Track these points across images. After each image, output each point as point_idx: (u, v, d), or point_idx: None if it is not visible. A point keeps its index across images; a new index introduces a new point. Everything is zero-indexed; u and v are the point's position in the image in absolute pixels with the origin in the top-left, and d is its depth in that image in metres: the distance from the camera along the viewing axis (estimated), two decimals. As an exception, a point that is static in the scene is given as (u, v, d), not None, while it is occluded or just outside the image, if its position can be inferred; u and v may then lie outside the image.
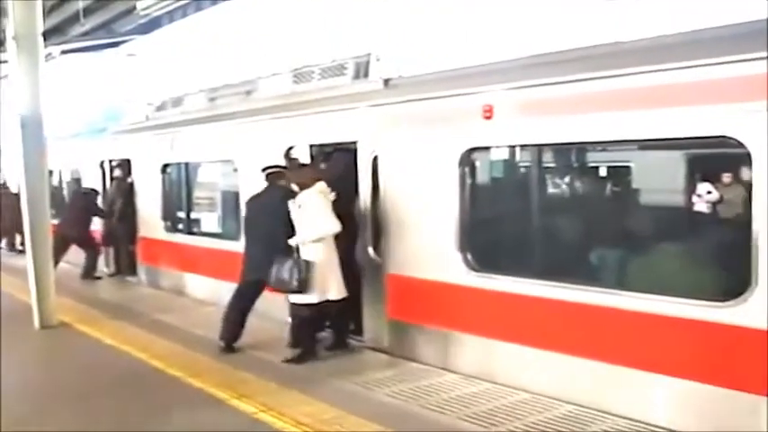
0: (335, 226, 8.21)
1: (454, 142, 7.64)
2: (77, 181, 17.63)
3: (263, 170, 9.14)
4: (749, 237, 5.47)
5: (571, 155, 7.50)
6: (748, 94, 5.45)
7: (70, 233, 14.68)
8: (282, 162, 10.00)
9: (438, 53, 9.56)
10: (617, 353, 6.34)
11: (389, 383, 7.46)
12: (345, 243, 8.88)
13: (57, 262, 12.79)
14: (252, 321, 9.07)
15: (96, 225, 15.51)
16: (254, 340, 9.06)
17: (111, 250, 15.72)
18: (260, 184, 9.32)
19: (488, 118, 7.28)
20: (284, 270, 8.16)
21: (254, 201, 9.19)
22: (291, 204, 8.48)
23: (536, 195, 7.16)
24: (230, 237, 11.36)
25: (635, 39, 6.70)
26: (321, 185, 8.41)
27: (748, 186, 5.54)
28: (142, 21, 17.35)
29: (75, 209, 15.18)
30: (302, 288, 8.12)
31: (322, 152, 9.75)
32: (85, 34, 19.10)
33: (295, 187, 8.54)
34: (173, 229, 13.52)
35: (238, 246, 10.11)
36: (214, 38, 23.08)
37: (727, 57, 5.59)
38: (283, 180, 9.08)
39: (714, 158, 6.54)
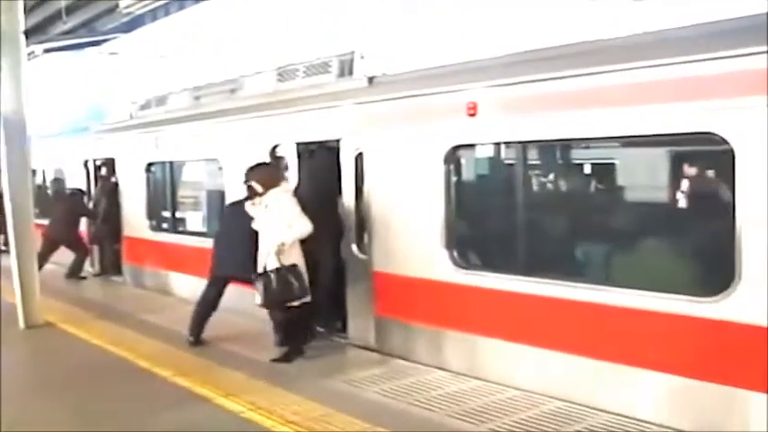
0: (309, 225, 8.06)
1: (439, 140, 7.66)
2: (60, 180, 17.54)
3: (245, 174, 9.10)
4: (733, 233, 5.51)
5: (556, 152, 7.52)
6: (731, 90, 5.48)
7: (59, 235, 14.62)
8: (268, 160, 10.00)
9: (422, 51, 9.57)
10: (604, 349, 6.38)
11: (377, 381, 7.47)
12: (331, 241, 8.92)
13: (43, 263, 12.75)
14: (238, 319, 9.07)
15: (83, 225, 15.43)
16: (241, 338, 9.05)
17: (96, 250, 15.65)
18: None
19: (473, 115, 7.30)
20: (278, 283, 7.90)
21: (229, 205, 9.28)
22: (252, 206, 8.38)
23: (521, 192, 7.18)
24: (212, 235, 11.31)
25: (618, 35, 6.73)
26: (286, 185, 8.33)
27: (732, 182, 5.58)
28: (125, 19, 17.24)
29: (62, 210, 15.09)
30: (304, 293, 8.04)
31: (308, 150, 9.74)
32: (68, 33, 18.96)
33: (258, 188, 8.31)
34: (157, 228, 13.47)
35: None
36: (198, 36, 23.02)
37: (711, 53, 5.63)
38: None
39: (699, 155, 6.57)
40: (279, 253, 7.92)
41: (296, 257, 8.08)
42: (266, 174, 8.46)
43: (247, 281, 8.54)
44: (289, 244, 7.97)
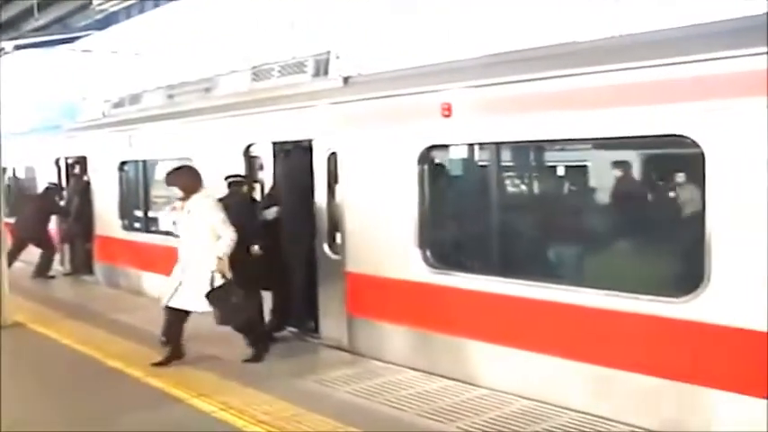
0: (234, 234, 7.89)
1: (413, 140, 7.68)
2: (30, 179, 17.36)
3: (226, 179, 9.17)
4: (702, 235, 5.58)
5: (530, 153, 7.57)
6: (702, 93, 5.55)
7: (27, 233, 14.47)
8: (241, 160, 9.99)
9: (398, 51, 9.59)
10: (576, 349, 6.42)
11: (349, 381, 7.47)
12: (305, 241, 8.94)
13: (12, 262, 12.62)
14: (208, 320, 9.03)
15: (53, 223, 15.28)
16: (213, 338, 9.01)
17: (67, 249, 15.50)
18: (219, 182, 9.29)
19: (447, 116, 7.32)
20: (231, 299, 7.85)
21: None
22: (174, 211, 8.34)
23: (494, 193, 7.21)
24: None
25: (592, 38, 6.79)
26: (208, 189, 8.27)
27: (703, 185, 5.64)
28: (98, 16, 17.08)
29: (31, 208, 14.94)
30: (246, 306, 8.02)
31: (283, 150, 9.73)
32: (40, 29, 18.75)
33: (179, 192, 8.15)
34: (130, 227, 13.37)
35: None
36: (173, 34, 22.89)
37: (683, 57, 5.68)
38: (245, 187, 9.21)
39: (670, 157, 6.63)
40: (221, 269, 7.80)
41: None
42: (188, 178, 8.27)
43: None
44: (227, 255, 7.82)
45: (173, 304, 8.08)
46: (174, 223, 8.46)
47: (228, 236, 7.83)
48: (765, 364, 5.24)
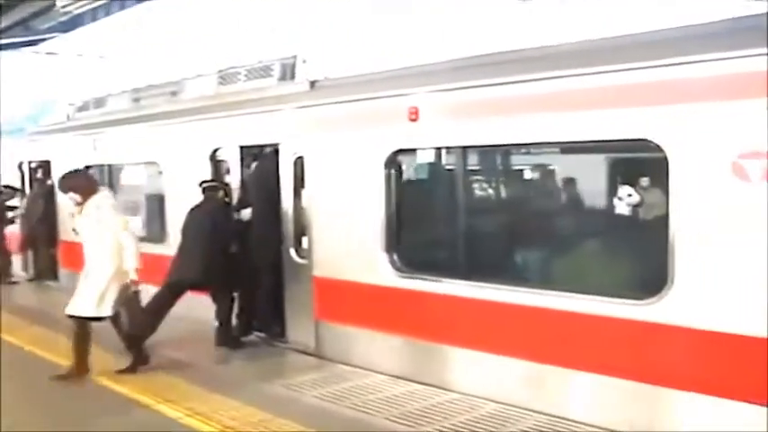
0: (136, 243, 7.83)
1: (380, 144, 7.68)
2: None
3: (200, 184, 9.18)
4: (666, 238, 5.63)
5: (496, 157, 7.60)
6: (665, 98, 5.61)
7: None
8: (208, 163, 9.95)
9: (365, 55, 9.59)
10: (543, 352, 6.45)
11: (316, 385, 7.45)
12: (273, 245, 8.92)
13: None
14: (177, 325, 8.97)
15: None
16: (180, 343, 8.95)
17: (31, 254, 15.29)
18: (185, 185, 9.25)
19: (414, 120, 7.33)
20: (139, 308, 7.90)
21: (191, 211, 9.19)
22: (73, 217, 8.20)
23: (462, 197, 7.23)
24: (155, 240, 11.18)
25: (559, 42, 6.83)
26: (106, 191, 8.19)
27: (666, 189, 5.70)
28: (63, 18, 16.90)
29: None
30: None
31: (251, 154, 9.69)
32: (2, 31, 18.52)
33: (76, 197, 7.93)
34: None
35: (163, 249, 10.00)
36: (139, 37, 22.70)
37: (646, 61, 5.75)
38: (220, 192, 9.22)
39: (635, 161, 6.69)
40: (126, 288, 7.75)
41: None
42: (81, 181, 8.09)
43: (208, 288, 8.73)
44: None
45: (68, 311, 7.91)
46: (74, 230, 8.34)
47: (132, 247, 7.68)
48: (730, 364, 5.32)
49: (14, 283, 14.63)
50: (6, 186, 15.48)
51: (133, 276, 7.69)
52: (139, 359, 8.08)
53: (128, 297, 7.78)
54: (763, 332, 5.13)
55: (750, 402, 5.19)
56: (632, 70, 5.82)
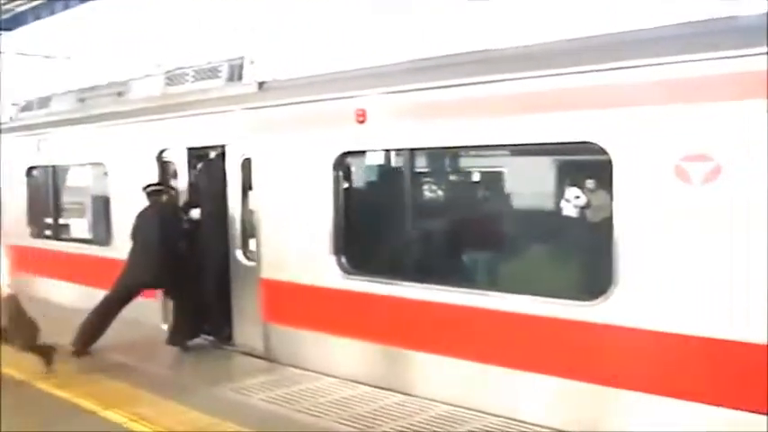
0: None
1: (328, 146, 7.67)
2: None
3: (144, 188, 9.12)
4: (611, 240, 5.71)
5: (444, 159, 7.64)
6: (609, 101, 5.69)
7: None
8: (155, 164, 9.84)
9: (314, 57, 9.57)
10: (490, 353, 6.50)
11: (266, 388, 7.42)
12: (221, 248, 8.87)
13: None
14: (123, 329, 8.85)
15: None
16: (126, 347, 8.83)
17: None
18: (131, 187, 9.13)
19: (362, 122, 7.33)
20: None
21: (140, 215, 9.12)
22: None
23: (409, 199, 7.25)
24: (100, 242, 11.03)
25: (506, 47, 6.89)
26: None
27: (611, 191, 5.78)
28: (5, 16, 16.57)
29: None
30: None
31: (198, 155, 9.60)
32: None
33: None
34: (39, 234, 12.98)
35: (109, 252, 9.87)
36: (84, 36, 22.32)
37: (590, 65, 5.82)
38: (165, 196, 9.13)
39: (581, 164, 6.76)
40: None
41: None
42: None
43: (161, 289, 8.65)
44: None
45: None
46: None
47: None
48: (673, 363, 5.41)
49: None
50: None
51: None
52: (47, 354, 7.96)
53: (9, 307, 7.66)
54: (705, 331, 5.23)
55: (695, 401, 5.28)
56: (577, 74, 5.90)
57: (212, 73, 9.61)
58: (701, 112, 5.23)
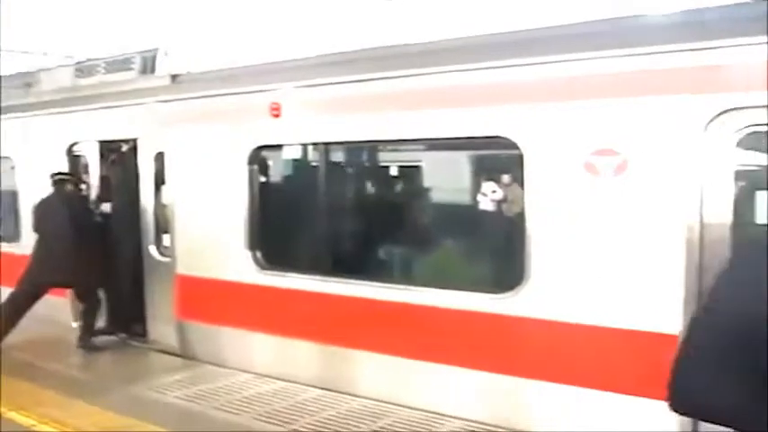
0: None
1: (243, 140, 7.59)
2: None
3: (52, 176, 8.84)
4: (524, 233, 5.81)
5: (359, 153, 7.64)
6: (521, 96, 5.77)
7: None
8: (65, 158, 9.59)
9: (231, 48, 9.44)
10: (407, 346, 6.53)
11: (181, 386, 7.32)
12: (133, 243, 8.71)
13: None
14: (30, 326, 8.61)
15: None
16: (32, 347, 8.58)
17: None
18: (40, 181, 8.88)
19: (276, 116, 7.28)
20: None
21: (40, 205, 8.86)
22: None
23: (324, 193, 7.24)
24: (8, 239, 10.68)
25: (422, 40, 6.92)
26: None
27: (522, 185, 5.87)
28: None
29: None
30: None
31: (109, 149, 9.39)
32: None
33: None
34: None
35: (16, 248, 9.59)
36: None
37: (502, 60, 5.90)
38: (69, 185, 8.86)
39: (495, 158, 6.85)
40: None
41: None
42: None
43: (71, 286, 8.51)
44: None
45: None
46: None
47: None
48: (583, 354, 5.54)
49: None
50: None
51: None
52: None
53: None
54: (615, 323, 5.37)
55: (602, 390, 5.42)
56: (490, 69, 5.96)
57: (124, 64, 9.39)
58: (610, 108, 5.35)
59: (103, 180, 9.33)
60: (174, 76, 8.61)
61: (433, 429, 6.06)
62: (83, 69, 10.04)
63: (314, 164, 7.50)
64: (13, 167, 10.67)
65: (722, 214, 4.92)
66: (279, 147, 7.73)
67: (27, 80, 11.13)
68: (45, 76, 10.80)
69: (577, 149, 5.50)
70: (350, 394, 6.80)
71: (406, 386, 6.55)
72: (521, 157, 5.77)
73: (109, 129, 9.19)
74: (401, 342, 6.55)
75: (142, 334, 8.92)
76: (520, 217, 5.93)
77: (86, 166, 9.64)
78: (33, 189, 10.04)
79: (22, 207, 10.38)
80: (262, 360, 7.61)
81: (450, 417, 6.21)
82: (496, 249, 6.76)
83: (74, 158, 9.69)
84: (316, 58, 7.42)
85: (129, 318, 9.07)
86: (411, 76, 6.41)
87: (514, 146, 5.81)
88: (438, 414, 6.27)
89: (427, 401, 6.36)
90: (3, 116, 10.82)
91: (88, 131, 9.47)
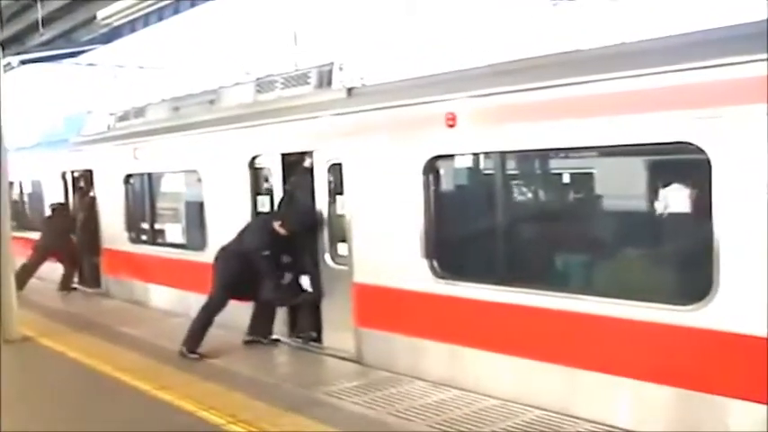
0: None
1: (418, 150, 7.68)
2: (38, 194, 17.37)
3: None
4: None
5: (535, 162, 7.53)
6: (704, 100, 5.54)
7: (52, 247, 14.71)
8: (247, 171, 10.01)
9: (401, 61, 9.58)
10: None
11: (358, 392, 7.45)
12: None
13: (29, 276, 13.40)
14: (216, 332, 9.10)
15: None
16: (218, 351, 9.03)
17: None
18: (225, 193, 9.29)
19: (452, 126, 7.31)
20: None
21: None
22: None
23: (498, 202, 7.22)
24: (195, 247, 11.30)
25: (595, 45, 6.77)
26: None
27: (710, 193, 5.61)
28: (103, 30, 17.12)
29: (56, 223, 15.02)
30: None
31: (289, 161, 9.73)
32: (45, 44, 18.80)
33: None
34: (137, 240, 13.39)
35: (203, 256, 10.11)
36: (176, 47, 22.93)
37: (688, 63, 5.68)
38: None
39: (676, 164, 6.58)
40: None
41: None
42: None
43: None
44: None
45: None
46: None
47: None
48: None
49: (74, 289, 15.02)
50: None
51: None
52: None
53: None
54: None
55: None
56: (674, 72, 5.74)
57: (302, 79, 9.73)
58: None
59: (286, 192, 9.65)
60: (349, 89, 8.83)
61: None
62: (262, 85, 10.48)
63: (488, 172, 7.48)
64: (199, 180, 11.27)
65: None
66: (453, 156, 7.73)
67: (210, 97, 11.74)
68: (227, 93, 11.35)
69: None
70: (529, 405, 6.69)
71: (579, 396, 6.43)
72: (708, 161, 5.53)
73: (287, 142, 9.53)
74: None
75: (318, 340, 9.21)
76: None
77: (267, 178, 10.03)
78: (218, 200, 10.60)
79: (208, 218, 10.97)
80: (437, 368, 7.65)
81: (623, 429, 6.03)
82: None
83: (255, 171, 10.12)
84: (490, 67, 7.39)
85: (306, 324, 9.41)
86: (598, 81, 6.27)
87: (700, 151, 5.58)
88: (611, 426, 6.10)
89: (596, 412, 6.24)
90: (189, 132, 11.48)
91: (268, 145, 9.87)
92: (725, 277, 5.47)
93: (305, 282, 9.10)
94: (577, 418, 6.32)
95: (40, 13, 15.96)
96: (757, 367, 5.30)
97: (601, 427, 6.16)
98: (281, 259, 9.14)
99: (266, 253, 8.92)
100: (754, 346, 5.31)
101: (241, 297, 9.22)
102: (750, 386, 5.34)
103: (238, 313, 9.33)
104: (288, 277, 9.14)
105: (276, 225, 8.98)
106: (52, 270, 14.94)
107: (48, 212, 15.73)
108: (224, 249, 9.32)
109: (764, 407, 5.22)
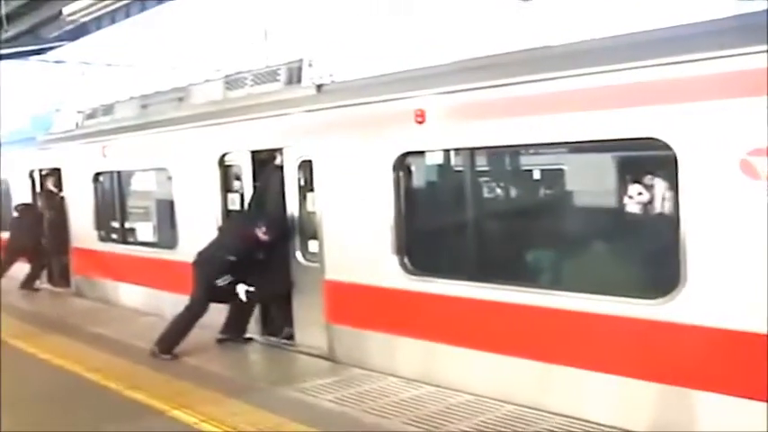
0: None
1: (387, 146, 7.69)
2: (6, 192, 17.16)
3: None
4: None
5: (505, 158, 7.57)
6: (670, 96, 5.60)
7: (21, 247, 14.59)
8: (216, 168, 9.96)
9: (370, 58, 9.58)
10: None
11: (330, 389, 7.46)
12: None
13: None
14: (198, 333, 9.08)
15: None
16: (191, 349, 8.99)
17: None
18: (195, 191, 9.23)
19: (421, 122, 7.33)
20: None
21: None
22: None
23: (467, 198, 7.24)
24: (166, 246, 11.24)
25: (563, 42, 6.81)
26: None
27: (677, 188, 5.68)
28: (69, 27, 16.94)
29: (25, 222, 14.86)
30: None
31: (259, 159, 9.70)
32: (10, 40, 18.56)
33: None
34: (107, 238, 13.28)
35: (174, 254, 10.05)
36: (144, 44, 22.75)
37: (655, 59, 5.73)
38: None
39: (644, 160, 6.63)
40: None
41: None
42: None
43: None
44: None
45: None
46: None
47: None
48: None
49: (37, 290, 14.81)
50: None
51: None
52: None
53: None
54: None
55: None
56: (639, 69, 5.79)
57: (271, 76, 9.70)
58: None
59: (256, 188, 9.62)
60: (319, 86, 8.82)
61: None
62: (231, 82, 10.43)
63: (457, 169, 7.51)
64: (169, 178, 11.20)
65: None
66: (423, 153, 7.75)
67: (180, 94, 11.66)
68: (196, 90, 11.28)
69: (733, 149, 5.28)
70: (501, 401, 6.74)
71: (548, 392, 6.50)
72: (674, 157, 5.59)
73: (257, 139, 9.51)
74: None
75: (290, 337, 9.21)
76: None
77: (237, 176, 10.00)
78: (188, 198, 10.54)
79: (178, 215, 10.91)
80: (408, 364, 7.68)
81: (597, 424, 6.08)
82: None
83: (225, 168, 10.08)
84: (459, 64, 7.42)
85: (278, 321, 9.39)
86: (563, 78, 6.30)
87: (667, 147, 5.64)
88: (581, 420, 6.15)
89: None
90: (158, 129, 11.40)
91: (238, 142, 9.83)
92: (692, 271, 5.55)
93: (240, 290, 8.96)
94: (550, 412, 6.36)
95: (3, 9, 15.75)
96: (725, 359, 5.40)
97: (573, 420, 6.21)
98: (257, 256, 9.09)
99: (234, 259, 8.89)
100: (722, 339, 5.40)
101: (222, 301, 9.19)
102: (718, 378, 5.42)
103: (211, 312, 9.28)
104: (226, 279, 8.94)
105: (260, 233, 8.88)
106: (21, 270, 14.79)
107: (14, 213, 15.56)
108: (202, 254, 9.23)
109: (732, 398, 5.31)
